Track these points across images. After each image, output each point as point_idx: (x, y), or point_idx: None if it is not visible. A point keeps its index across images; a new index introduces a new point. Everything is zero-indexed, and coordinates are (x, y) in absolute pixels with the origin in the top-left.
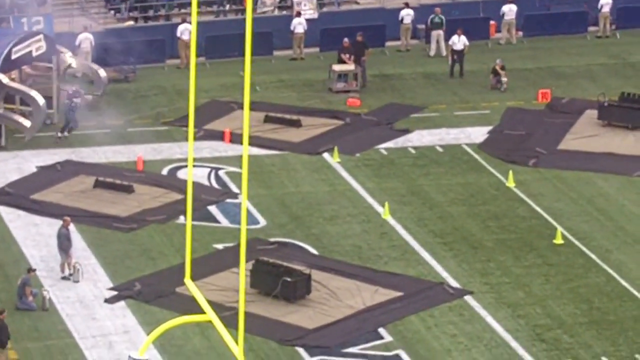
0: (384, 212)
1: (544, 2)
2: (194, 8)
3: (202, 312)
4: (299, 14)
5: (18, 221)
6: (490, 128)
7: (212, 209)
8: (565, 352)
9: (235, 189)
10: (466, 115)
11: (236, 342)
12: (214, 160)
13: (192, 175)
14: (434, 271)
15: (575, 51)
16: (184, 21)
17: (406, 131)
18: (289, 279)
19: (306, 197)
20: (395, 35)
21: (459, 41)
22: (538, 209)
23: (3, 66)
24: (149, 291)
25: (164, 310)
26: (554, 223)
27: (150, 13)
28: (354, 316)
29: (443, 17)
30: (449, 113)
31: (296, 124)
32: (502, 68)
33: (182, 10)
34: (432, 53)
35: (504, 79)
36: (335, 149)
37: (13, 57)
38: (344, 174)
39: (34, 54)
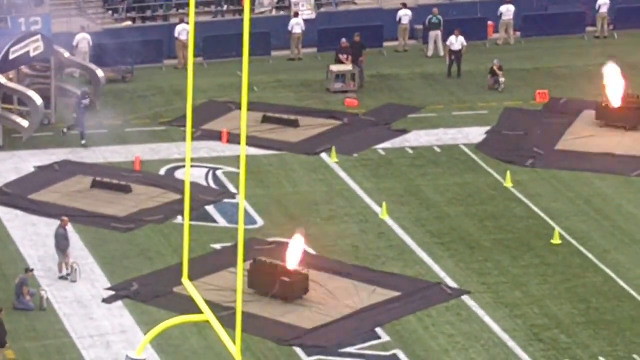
0: (382, 212)
1: (542, 2)
2: (192, 8)
3: (200, 312)
4: (296, 15)
5: (16, 221)
6: (488, 128)
7: (210, 209)
8: (563, 352)
9: (232, 189)
10: (464, 115)
11: (234, 342)
12: (211, 161)
13: (190, 175)
14: (432, 271)
15: (573, 52)
16: (181, 21)
17: (404, 131)
18: (286, 279)
19: (304, 197)
20: (393, 36)
21: (457, 42)
22: (536, 209)
23: (1, 66)
24: (147, 291)
25: (162, 310)
26: (552, 223)
27: (148, 13)
28: (352, 316)
29: (441, 18)
30: (446, 113)
31: (294, 124)
32: (500, 68)
33: (180, 11)
34: (429, 53)
35: (502, 80)
36: (333, 149)
37: (11, 57)
38: (342, 174)
39: (32, 54)
